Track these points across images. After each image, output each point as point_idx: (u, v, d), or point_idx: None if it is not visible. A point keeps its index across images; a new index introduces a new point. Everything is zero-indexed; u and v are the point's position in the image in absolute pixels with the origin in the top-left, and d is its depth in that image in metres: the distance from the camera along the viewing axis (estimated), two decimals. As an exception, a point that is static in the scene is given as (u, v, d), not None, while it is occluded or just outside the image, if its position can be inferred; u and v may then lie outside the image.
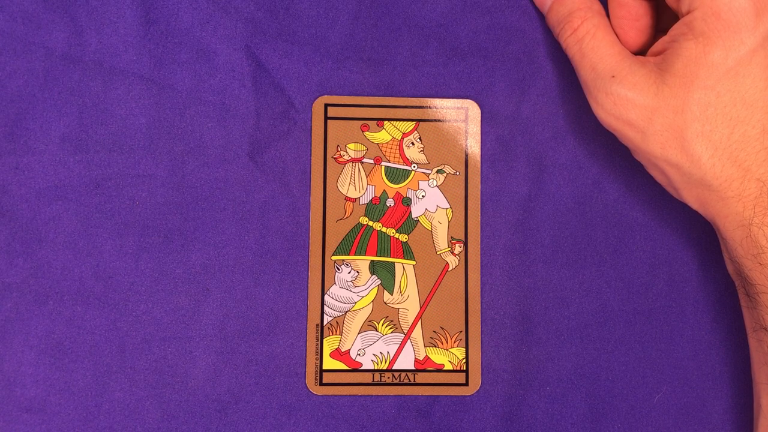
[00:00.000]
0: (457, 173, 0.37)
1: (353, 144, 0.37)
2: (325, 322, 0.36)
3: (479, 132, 0.37)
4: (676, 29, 0.33)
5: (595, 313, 0.37)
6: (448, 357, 0.37)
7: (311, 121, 0.37)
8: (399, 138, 0.37)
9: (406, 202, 0.37)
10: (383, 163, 0.37)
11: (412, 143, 0.37)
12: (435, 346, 0.37)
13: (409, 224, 0.37)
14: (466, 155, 0.37)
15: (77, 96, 0.36)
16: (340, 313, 0.37)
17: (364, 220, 0.37)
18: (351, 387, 0.36)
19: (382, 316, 0.37)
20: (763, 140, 0.32)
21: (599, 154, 0.38)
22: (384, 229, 0.37)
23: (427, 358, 0.37)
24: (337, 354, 0.36)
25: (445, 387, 0.37)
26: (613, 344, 0.37)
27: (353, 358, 0.36)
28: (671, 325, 0.37)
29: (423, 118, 0.37)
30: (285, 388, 0.36)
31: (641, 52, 0.36)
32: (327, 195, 0.37)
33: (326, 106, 0.37)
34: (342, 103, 0.37)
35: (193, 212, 0.36)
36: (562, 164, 0.37)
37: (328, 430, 0.36)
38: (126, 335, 0.36)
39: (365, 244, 0.37)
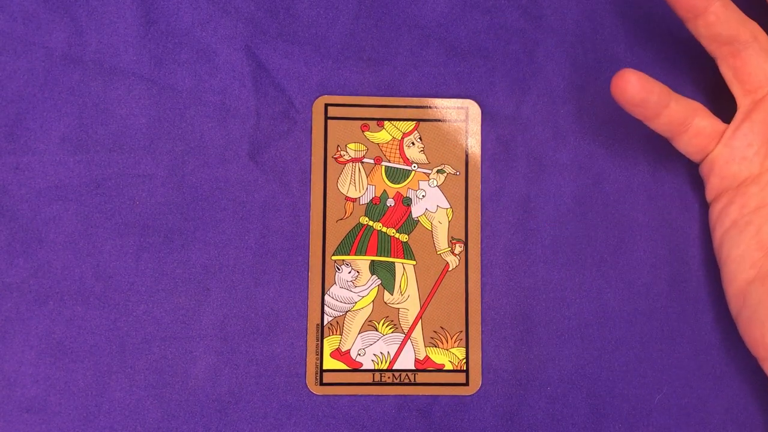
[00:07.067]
0: (458, 173, 0.37)
1: (353, 144, 0.37)
2: (325, 322, 0.36)
3: (479, 132, 0.37)
4: None
5: (596, 313, 0.37)
6: (449, 357, 0.37)
7: (311, 121, 0.37)
8: (399, 138, 0.37)
9: (407, 202, 0.37)
10: (383, 163, 0.37)
11: (413, 143, 0.37)
12: (435, 346, 0.37)
13: (409, 224, 0.37)
14: (467, 155, 0.37)
15: (77, 96, 0.36)
16: (341, 313, 0.37)
17: (364, 220, 0.37)
18: (351, 387, 0.36)
19: (383, 316, 0.37)
20: None
21: (599, 154, 0.38)
22: (384, 229, 0.37)
23: (427, 358, 0.37)
24: (337, 354, 0.36)
25: (445, 387, 0.36)
26: (614, 344, 0.37)
27: (353, 358, 0.36)
28: (671, 325, 0.37)
29: (423, 118, 0.37)
30: (285, 388, 0.36)
31: None
32: (327, 195, 0.37)
33: (326, 105, 0.37)
34: (342, 103, 0.37)
35: (193, 212, 0.36)
36: (562, 164, 0.38)
37: (328, 430, 0.36)
38: (126, 335, 0.36)
39: (365, 244, 0.37)
